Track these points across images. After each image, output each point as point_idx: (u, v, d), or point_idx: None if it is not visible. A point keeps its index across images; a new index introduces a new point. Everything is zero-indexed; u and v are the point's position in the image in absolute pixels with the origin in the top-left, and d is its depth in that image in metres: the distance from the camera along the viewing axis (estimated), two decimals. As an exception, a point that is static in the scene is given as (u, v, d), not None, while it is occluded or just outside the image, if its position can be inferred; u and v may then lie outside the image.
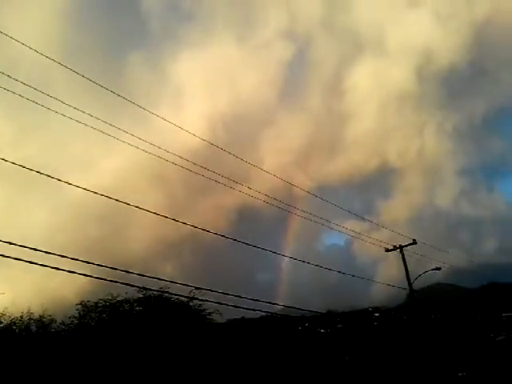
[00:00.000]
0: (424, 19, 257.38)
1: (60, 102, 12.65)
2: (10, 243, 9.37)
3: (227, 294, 13.30)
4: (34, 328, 27.04)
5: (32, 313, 27.06)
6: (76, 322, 26.82)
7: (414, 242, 31.72)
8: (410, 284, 31.36)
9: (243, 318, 45.23)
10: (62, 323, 27.26)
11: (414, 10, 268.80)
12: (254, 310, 15.18)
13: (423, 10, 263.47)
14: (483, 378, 40.79)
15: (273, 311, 27.63)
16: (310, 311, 27.55)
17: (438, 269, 33.85)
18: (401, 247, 31.62)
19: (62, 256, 10.09)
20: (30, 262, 9.65)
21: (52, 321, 27.43)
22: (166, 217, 13.44)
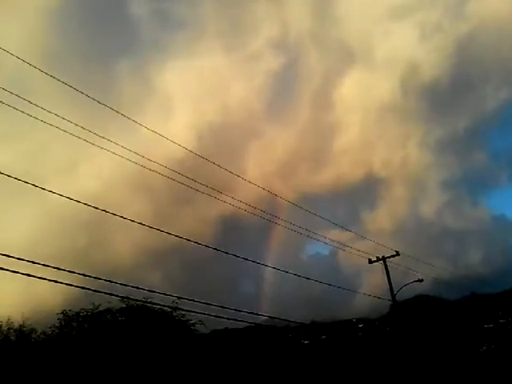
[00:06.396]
0: (409, 33, 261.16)
1: (44, 111, 12.56)
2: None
3: (211, 305, 13.27)
4: (13, 338, 26.56)
5: (12, 322, 26.63)
6: (57, 331, 26.44)
7: (397, 254, 31.97)
8: (393, 295, 31.53)
9: (226, 328, 44.98)
10: (43, 333, 26.87)
11: (399, 23, 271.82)
12: (237, 320, 15.15)
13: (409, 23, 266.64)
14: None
15: (257, 322, 27.55)
16: (294, 322, 27.55)
17: (421, 280, 34.11)
18: (384, 259, 31.80)
19: (44, 265, 9.98)
20: (12, 271, 9.51)
21: (32, 330, 27.02)
22: (151, 227, 13.40)
